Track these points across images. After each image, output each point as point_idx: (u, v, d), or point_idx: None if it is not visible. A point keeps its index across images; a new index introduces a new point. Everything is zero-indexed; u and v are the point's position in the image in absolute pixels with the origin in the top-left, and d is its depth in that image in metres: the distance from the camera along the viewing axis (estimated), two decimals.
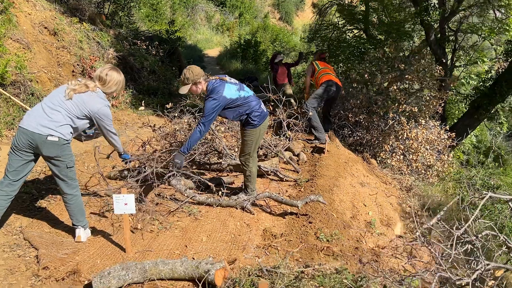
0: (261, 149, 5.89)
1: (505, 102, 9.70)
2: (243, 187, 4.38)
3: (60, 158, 3.21)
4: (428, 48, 10.08)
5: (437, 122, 6.67)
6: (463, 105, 10.57)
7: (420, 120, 6.27)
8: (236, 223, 3.92)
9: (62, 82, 7.34)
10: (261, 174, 5.02)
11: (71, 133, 3.27)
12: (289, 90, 10.28)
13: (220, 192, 4.39)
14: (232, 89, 3.91)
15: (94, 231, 3.69)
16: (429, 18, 9.25)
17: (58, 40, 7.93)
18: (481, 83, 9.76)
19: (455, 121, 10.57)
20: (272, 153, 5.76)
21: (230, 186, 4.83)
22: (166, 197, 4.37)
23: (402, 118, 6.23)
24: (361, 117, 6.47)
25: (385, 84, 6.65)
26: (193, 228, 3.80)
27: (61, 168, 3.26)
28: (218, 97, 3.79)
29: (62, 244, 3.44)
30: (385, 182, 5.59)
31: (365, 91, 6.74)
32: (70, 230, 3.66)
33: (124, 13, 11.22)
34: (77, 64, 7.83)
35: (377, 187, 5.18)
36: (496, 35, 11.03)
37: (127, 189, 4.80)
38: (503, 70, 9.34)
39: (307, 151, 5.82)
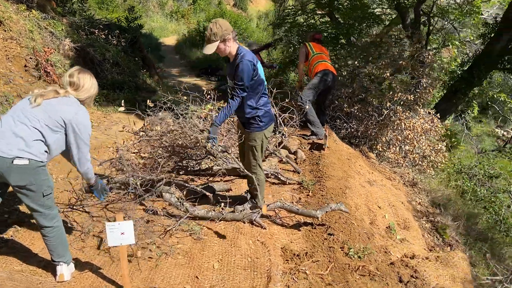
0: None
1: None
2: (249, 196, 3.80)
3: (34, 186, 2.50)
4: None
5: (432, 110, 6.36)
6: (438, 91, 10.42)
7: (417, 108, 5.92)
8: (248, 241, 3.34)
9: (13, 79, 6.39)
10: None
11: (45, 151, 2.56)
12: None
13: (222, 204, 3.79)
14: (261, 69, 3.32)
15: (79, 264, 2.99)
16: (406, 1, 8.93)
17: (5, 31, 6.91)
18: (458, 67, 9.63)
19: (431, 106, 10.44)
20: (267, 151, 5.21)
21: (227, 193, 4.25)
22: (159, 213, 3.72)
23: (398, 107, 5.85)
24: (355, 107, 6.03)
25: (378, 72, 6.23)
26: (199, 252, 3.18)
27: (35, 198, 2.54)
28: (253, 59, 3.18)
29: (40, 286, 2.74)
30: (389, 178, 5.20)
31: (357, 80, 6.29)
32: (49, 266, 2.94)
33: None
34: (30, 58, 6.86)
35: (384, 185, 4.77)
36: (464, 18, 10.97)
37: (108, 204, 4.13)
38: (479, 53, 9.21)
39: (304, 148, 5.29)
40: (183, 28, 22.79)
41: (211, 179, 4.70)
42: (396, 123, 5.74)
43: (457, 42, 11.09)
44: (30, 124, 2.47)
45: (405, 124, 5.69)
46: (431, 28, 10.25)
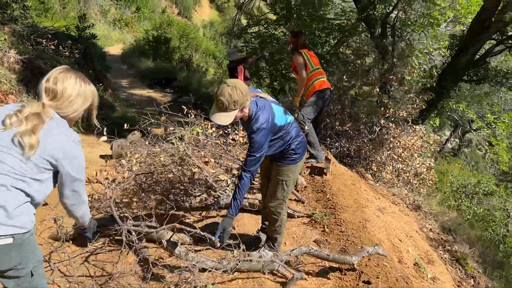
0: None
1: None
2: (267, 238, 3.24)
3: (20, 266, 1.79)
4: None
5: (423, 126, 6.14)
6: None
7: (409, 124, 5.66)
8: None
9: None
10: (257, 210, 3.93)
11: (34, 214, 1.85)
12: None
13: (233, 250, 3.19)
14: (279, 111, 2.77)
15: None
16: (375, 13, 8.78)
17: None
18: (427, 79, 9.63)
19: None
20: (257, 175, 4.67)
21: (232, 232, 3.65)
22: (157, 265, 3.05)
23: (391, 124, 5.56)
24: (347, 125, 5.66)
25: (366, 88, 5.93)
26: None
27: (23, 281, 1.83)
28: (269, 126, 2.63)
29: None
30: (394, 202, 4.85)
31: (345, 97, 5.93)
32: None
33: (18, 5, 9.06)
34: None
35: (393, 212, 4.39)
36: (423, 30, 11.12)
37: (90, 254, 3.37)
38: (446, 65, 9.27)
39: (303, 172, 4.80)
40: (129, 37, 21.70)
41: (204, 214, 4.08)
42: (389, 141, 5.44)
43: (419, 54, 11.21)
44: (10, 183, 1.76)
45: (399, 141, 5.41)
46: (396, 39, 10.25)
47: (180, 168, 4.05)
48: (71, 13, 19.62)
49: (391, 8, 9.28)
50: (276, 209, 3.01)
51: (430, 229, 4.50)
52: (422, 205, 5.09)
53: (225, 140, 5.05)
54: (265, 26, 11.87)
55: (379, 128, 5.54)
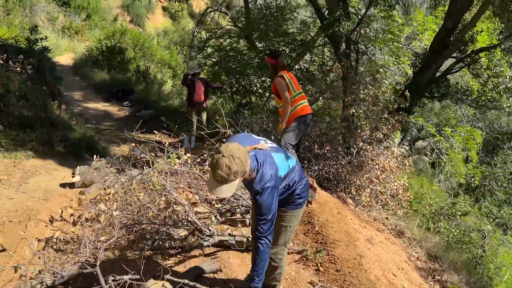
0: (224, 203, 4.47)
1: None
2: (263, 286, 2.98)
3: None
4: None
5: (401, 148, 6.12)
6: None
7: (385, 144, 5.61)
8: None
9: None
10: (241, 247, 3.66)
11: None
12: (205, 113, 8.92)
13: None
14: (281, 160, 2.51)
15: None
16: (341, 30, 8.78)
17: None
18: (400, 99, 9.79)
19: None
20: (241, 207, 4.40)
21: (217, 275, 3.36)
22: None
23: (368, 146, 5.47)
24: (326, 148, 5.52)
25: (339, 111, 5.84)
26: None
27: None
28: (274, 183, 2.38)
29: None
30: (378, 229, 4.73)
31: (321, 119, 5.80)
32: None
33: None
34: None
35: (381, 241, 4.27)
36: (384, 46, 11.33)
37: None
38: (410, 81, 9.43)
39: None
40: (81, 46, 20.75)
41: (185, 255, 3.75)
42: (368, 162, 5.36)
43: (381, 70, 11.37)
44: None
45: (377, 164, 5.33)
46: (359, 56, 10.35)
47: (159, 206, 3.71)
48: (16, 21, 18.52)
49: (355, 25, 9.35)
50: (277, 256, 2.76)
51: (417, 258, 4.43)
52: (404, 230, 5.03)
53: (202, 168, 4.76)
54: (225, 38, 11.63)
55: (356, 150, 5.46)
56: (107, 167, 5.31)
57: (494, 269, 5.58)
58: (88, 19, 25.28)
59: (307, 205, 4.46)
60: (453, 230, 6.01)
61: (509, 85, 7.99)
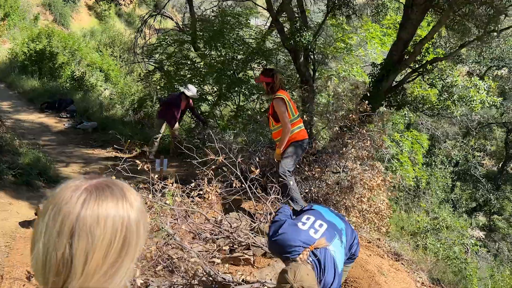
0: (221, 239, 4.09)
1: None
2: None
3: None
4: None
5: (379, 163, 6.06)
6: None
7: (371, 163, 5.53)
8: None
9: None
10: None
11: None
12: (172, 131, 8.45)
13: None
14: (339, 251, 2.30)
15: None
16: (302, 40, 8.68)
17: None
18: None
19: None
20: (242, 245, 4.06)
21: None
22: None
23: (357, 166, 5.36)
24: (316, 169, 5.31)
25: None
26: None
27: None
28: (338, 283, 2.19)
29: None
30: (379, 254, 4.60)
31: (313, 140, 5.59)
32: None
33: None
34: None
35: (389, 270, 4.14)
36: (339, 54, 11.47)
37: None
38: (369, 91, 9.56)
39: None
40: (1, 50, 18.89)
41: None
42: (357, 182, 5.25)
43: (335, 78, 11.48)
44: None
45: (365, 183, 5.24)
46: (316, 65, 10.35)
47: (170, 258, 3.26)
48: None
49: (316, 36, 9.32)
50: None
51: (422, 283, 4.39)
52: (400, 252, 4.97)
53: (192, 200, 4.33)
54: (175, 46, 11.09)
55: (348, 171, 5.34)
56: None
57: (477, 281, 5.78)
58: (6, 19, 23.14)
59: None
60: (439, 246, 6.14)
61: (460, 94, 8.37)
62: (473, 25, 8.32)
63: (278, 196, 4.23)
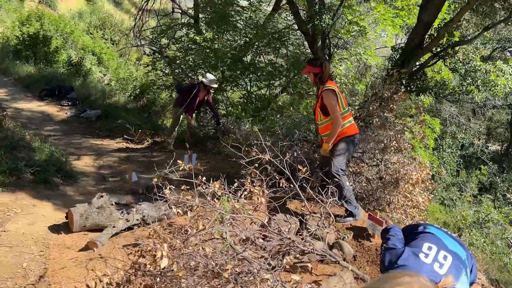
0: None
1: None
2: None
3: None
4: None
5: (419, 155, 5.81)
6: None
7: (413, 156, 5.28)
8: None
9: None
10: None
11: None
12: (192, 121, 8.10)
13: None
14: (465, 284, 1.98)
15: None
16: (322, 23, 8.31)
17: None
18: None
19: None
20: (295, 248, 3.77)
21: None
22: None
23: (401, 159, 5.11)
24: (360, 165, 5.04)
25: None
26: None
27: None
28: None
29: None
30: None
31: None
32: None
33: None
34: None
35: None
36: (352, 37, 11.11)
37: None
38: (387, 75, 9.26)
39: (347, 237, 4.00)
40: None
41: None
42: (401, 177, 4.99)
43: (348, 62, 11.16)
44: None
45: (411, 178, 4.98)
46: (331, 49, 10.01)
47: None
48: None
49: (335, 18, 8.96)
50: None
51: (482, 285, 4.18)
52: None
53: (237, 200, 4.01)
54: (187, 29, 10.61)
55: (390, 164, 5.08)
56: (113, 204, 4.36)
57: None
58: None
59: (369, 240, 3.97)
60: (483, 241, 5.94)
61: (485, 78, 8.10)
62: (501, 6, 8.03)
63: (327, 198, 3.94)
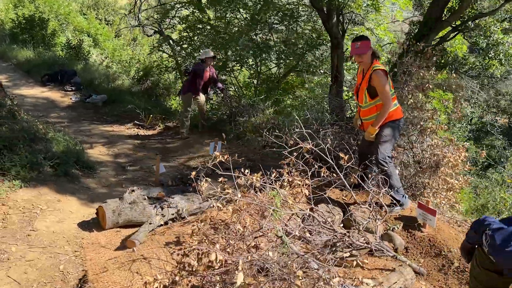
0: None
1: None
2: None
3: None
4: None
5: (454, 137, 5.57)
6: None
7: (449, 137, 5.06)
8: None
9: None
10: None
11: None
12: (205, 103, 7.81)
13: None
14: None
15: None
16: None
17: None
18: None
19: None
20: (344, 242, 3.58)
21: None
22: None
23: (435, 139, 4.91)
24: (397, 149, 4.83)
25: (410, 100, 5.13)
26: None
27: None
28: None
29: None
30: None
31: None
32: None
33: None
34: None
35: None
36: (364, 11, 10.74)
37: None
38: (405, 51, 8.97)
39: (396, 227, 3.81)
40: None
41: None
42: (439, 160, 4.79)
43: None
44: None
45: (450, 161, 4.78)
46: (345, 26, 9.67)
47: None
48: None
49: None
50: None
51: None
52: None
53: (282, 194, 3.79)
54: (193, 8, 10.20)
55: (427, 148, 4.87)
56: (145, 199, 4.15)
57: None
58: None
59: (421, 231, 3.79)
60: None
61: (509, 50, 7.84)
62: None
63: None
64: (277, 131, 6.87)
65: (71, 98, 10.86)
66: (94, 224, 4.18)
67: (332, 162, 3.74)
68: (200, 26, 9.95)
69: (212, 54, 7.44)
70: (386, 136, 3.98)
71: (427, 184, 4.74)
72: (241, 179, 3.51)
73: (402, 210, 4.02)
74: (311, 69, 9.55)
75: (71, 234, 3.99)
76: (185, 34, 9.91)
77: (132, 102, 10.44)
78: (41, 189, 4.72)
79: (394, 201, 4.02)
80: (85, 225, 4.16)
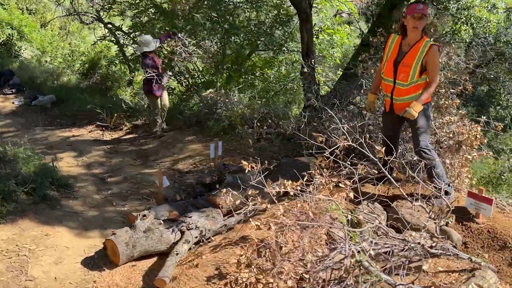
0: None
1: None
2: None
3: None
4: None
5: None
6: None
7: (462, 112, 4.79)
8: None
9: None
10: None
11: None
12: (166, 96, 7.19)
13: None
14: None
15: None
16: None
17: None
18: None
19: None
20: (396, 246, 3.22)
21: None
22: None
23: (451, 117, 4.63)
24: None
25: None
26: None
27: None
28: None
29: None
30: None
31: None
32: None
33: None
34: None
35: None
36: None
37: None
38: (373, 22, 8.67)
39: (450, 222, 3.48)
40: None
41: None
42: (459, 139, 4.53)
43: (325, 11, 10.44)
44: None
45: (469, 138, 4.53)
46: None
47: None
48: None
49: None
50: None
51: None
52: None
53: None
54: None
55: (445, 126, 4.60)
56: (161, 223, 3.53)
57: None
58: None
59: (476, 222, 3.51)
60: None
61: (477, 15, 7.79)
62: None
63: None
64: (269, 120, 6.38)
65: (13, 102, 9.66)
66: (100, 260, 3.52)
67: (372, 157, 3.32)
68: (153, 11, 9.08)
69: (151, 38, 6.75)
70: (424, 125, 3.70)
71: (449, 165, 4.47)
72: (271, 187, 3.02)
73: (449, 199, 3.72)
74: (280, 47, 9.04)
75: (78, 277, 3.31)
76: (145, 19, 9.00)
77: (84, 100, 9.46)
78: (22, 224, 3.95)
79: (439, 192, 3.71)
80: (91, 263, 3.49)
